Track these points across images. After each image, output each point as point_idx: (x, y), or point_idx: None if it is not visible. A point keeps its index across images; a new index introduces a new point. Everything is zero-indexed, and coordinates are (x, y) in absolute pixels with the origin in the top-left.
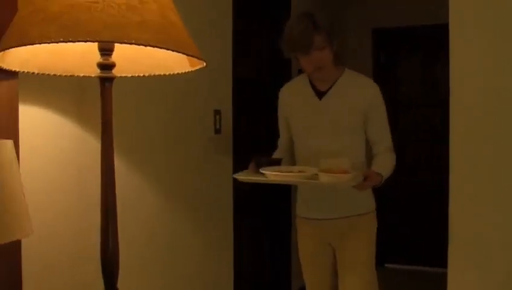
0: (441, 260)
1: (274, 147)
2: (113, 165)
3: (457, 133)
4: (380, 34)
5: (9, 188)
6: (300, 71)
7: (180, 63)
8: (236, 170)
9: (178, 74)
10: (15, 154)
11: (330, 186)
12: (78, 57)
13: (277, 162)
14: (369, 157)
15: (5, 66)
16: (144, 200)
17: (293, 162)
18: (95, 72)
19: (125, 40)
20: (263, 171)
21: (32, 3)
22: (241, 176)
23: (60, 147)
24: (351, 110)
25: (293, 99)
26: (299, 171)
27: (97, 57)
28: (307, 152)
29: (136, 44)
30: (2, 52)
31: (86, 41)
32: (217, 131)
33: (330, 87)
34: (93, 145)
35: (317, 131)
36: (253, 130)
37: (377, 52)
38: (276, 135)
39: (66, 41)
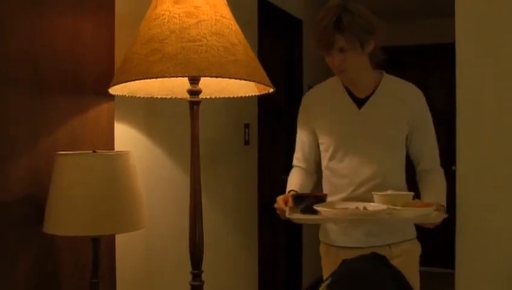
0: (449, 260)
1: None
2: (199, 171)
3: (463, 134)
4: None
5: (136, 189)
6: (310, 88)
7: (248, 88)
8: (260, 175)
9: None
10: (134, 162)
11: (412, 223)
12: (158, 82)
13: (323, 199)
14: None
15: (112, 92)
16: (186, 193)
17: (312, 185)
18: (170, 94)
19: (226, 75)
20: (319, 209)
21: (149, 45)
22: (297, 217)
23: (134, 155)
24: (397, 121)
25: (323, 107)
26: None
27: (173, 83)
28: (341, 173)
29: (234, 78)
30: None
31: (195, 76)
32: (246, 142)
33: (371, 94)
34: (157, 154)
35: (355, 146)
36: (274, 142)
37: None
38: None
39: (182, 76)
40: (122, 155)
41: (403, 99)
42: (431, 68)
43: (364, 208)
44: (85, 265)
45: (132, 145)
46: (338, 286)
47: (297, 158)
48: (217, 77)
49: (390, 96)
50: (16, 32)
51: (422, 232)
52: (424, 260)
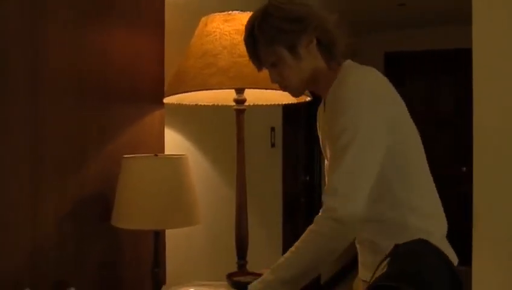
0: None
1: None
2: (245, 172)
3: (480, 135)
4: (391, 57)
5: (192, 188)
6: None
7: (286, 96)
8: (284, 175)
9: None
10: (191, 164)
11: None
12: (204, 91)
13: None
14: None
15: (165, 101)
16: (220, 192)
17: None
18: (213, 101)
19: (273, 88)
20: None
21: (203, 59)
22: None
23: None
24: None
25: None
26: None
27: (217, 92)
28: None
29: (279, 90)
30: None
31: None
32: (272, 145)
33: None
34: (194, 154)
35: (325, 162)
36: (295, 144)
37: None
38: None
39: (235, 88)
40: (180, 158)
41: (334, 98)
42: (439, 72)
43: None
44: (142, 255)
45: (175, 147)
46: (400, 260)
47: None
48: (265, 89)
49: (333, 98)
50: (90, 50)
51: None
52: None
